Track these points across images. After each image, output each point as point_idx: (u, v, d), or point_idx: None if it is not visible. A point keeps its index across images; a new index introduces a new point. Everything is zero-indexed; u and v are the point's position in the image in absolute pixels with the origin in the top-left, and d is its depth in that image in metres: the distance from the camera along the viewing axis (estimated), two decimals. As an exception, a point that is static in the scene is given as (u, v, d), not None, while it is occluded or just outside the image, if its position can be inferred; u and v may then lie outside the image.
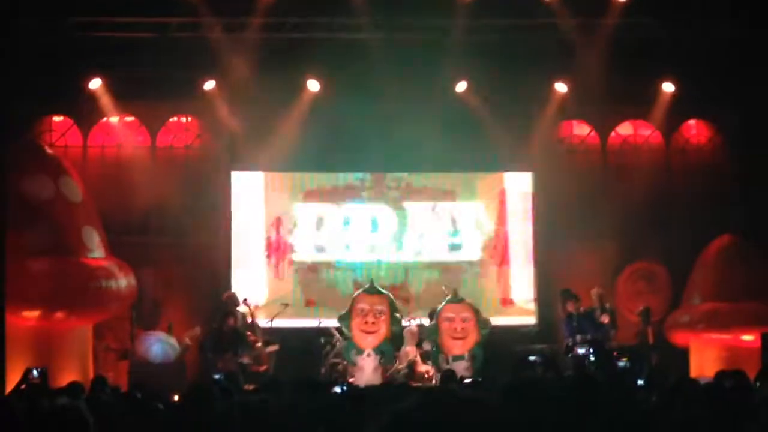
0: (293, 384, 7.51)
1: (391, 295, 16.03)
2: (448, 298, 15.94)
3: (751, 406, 7.41)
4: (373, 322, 15.45)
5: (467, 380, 11.13)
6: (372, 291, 15.88)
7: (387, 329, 15.48)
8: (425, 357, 15.96)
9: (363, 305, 15.59)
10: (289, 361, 16.21)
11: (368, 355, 15.40)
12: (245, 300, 16.62)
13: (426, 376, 15.61)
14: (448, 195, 18.45)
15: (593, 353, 15.25)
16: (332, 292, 17.91)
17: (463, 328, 15.57)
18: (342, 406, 6.09)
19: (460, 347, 15.53)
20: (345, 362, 15.69)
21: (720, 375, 10.50)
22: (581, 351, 15.40)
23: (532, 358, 13.63)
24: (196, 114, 18.40)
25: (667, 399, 8.20)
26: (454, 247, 18.39)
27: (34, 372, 12.29)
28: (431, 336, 15.75)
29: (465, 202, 18.47)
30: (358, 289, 16.44)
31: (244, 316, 16.46)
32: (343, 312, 15.78)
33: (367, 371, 15.28)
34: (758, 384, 9.05)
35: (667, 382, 9.79)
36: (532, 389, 5.19)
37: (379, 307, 15.60)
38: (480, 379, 11.84)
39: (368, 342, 15.40)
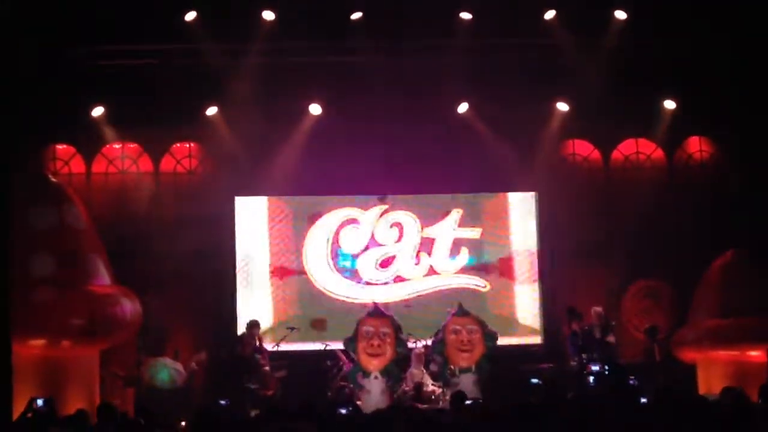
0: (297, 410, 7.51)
1: (395, 317, 16.05)
2: (454, 312, 15.98)
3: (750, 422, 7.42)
4: (379, 345, 15.47)
5: (468, 401, 11.09)
6: (377, 313, 15.91)
7: (392, 351, 15.52)
8: (433, 378, 15.96)
9: (368, 328, 15.62)
10: (296, 386, 16.20)
11: (375, 377, 15.42)
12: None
13: (433, 397, 15.60)
14: (452, 217, 18.44)
15: (608, 370, 15.23)
16: (337, 314, 17.90)
17: (469, 340, 15.63)
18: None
19: (467, 359, 15.58)
20: (351, 385, 15.68)
21: (725, 392, 10.52)
22: (595, 368, 15.37)
23: (534, 381, 13.60)
24: (198, 140, 18.46)
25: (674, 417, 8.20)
26: (461, 268, 18.39)
27: (39, 401, 12.26)
28: (439, 349, 15.79)
29: (469, 225, 18.46)
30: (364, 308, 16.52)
31: (252, 340, 16.49)
32: (349, 335, 15.80)
33: (374, 394, 15.29)
34: (761, 400, 9.04)
35: (675, 400, 9.78)
36: (535, 413, 5.20)
37: (384, 330, 15.63)
38: (481, 400, 11.83)
39: (374, 365, 15.43)
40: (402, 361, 15.76)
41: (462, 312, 16.03)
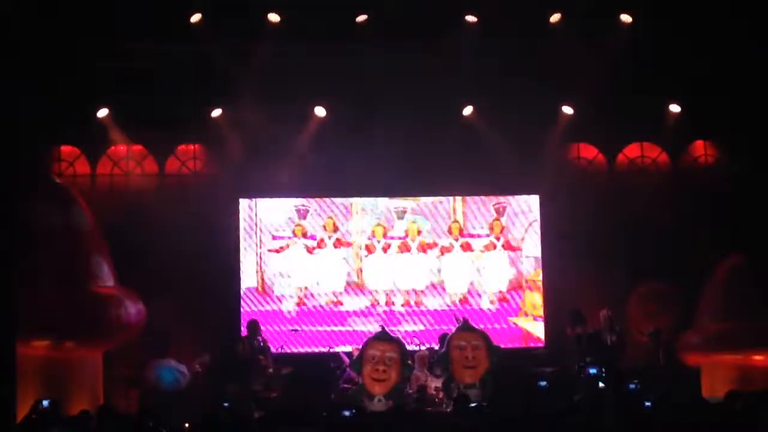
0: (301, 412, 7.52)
1: (402, 341, 15.94)
2: (459, 326, 15.93)
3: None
4: (384, 370, 15.22)
5: (472, 404, 11.07)
6: (383, 337, 15.72)
7: (397, 376, 15.31)
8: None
9: (374, 352, 15.36)
10: (300, 387, 16.19)
11: (378, 400, 15.27)
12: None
13: (436, 399, 15.55)
14: (456, 220, 18.43)
15: (605, 373, 15.24)
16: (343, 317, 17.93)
17: (474, 356, 15.47)
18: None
19: (471, 375, 15.38)
20: (354, 387, 15.65)
21: (730, 395, 10.51)
22: (592, 371, 15.38)
23: (542, 383, 13.58)
24: (203, 142, 18.47)
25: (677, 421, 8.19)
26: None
27: (44, 403, 12.28)
28: (443, 364, 15.69)
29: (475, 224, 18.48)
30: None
31: (254, 341, 16.49)
32: (355, 358, 15.70)
33: (377, 409, 15.16)
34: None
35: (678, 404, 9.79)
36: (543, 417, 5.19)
37: (390, 355, 15.36)
38: (484, 404, 11.80)
39: (377, 390, 15.23)
40: (406, 381, 15.63)
41: (466, 327, 15.91)
